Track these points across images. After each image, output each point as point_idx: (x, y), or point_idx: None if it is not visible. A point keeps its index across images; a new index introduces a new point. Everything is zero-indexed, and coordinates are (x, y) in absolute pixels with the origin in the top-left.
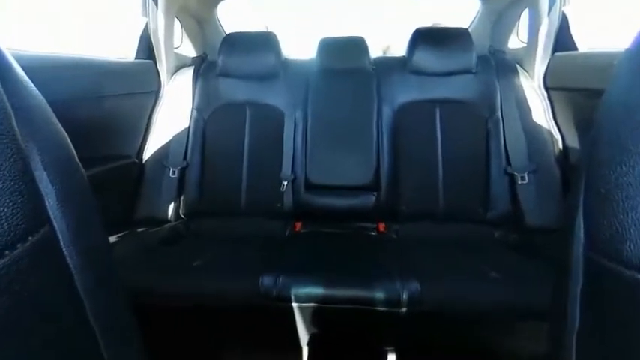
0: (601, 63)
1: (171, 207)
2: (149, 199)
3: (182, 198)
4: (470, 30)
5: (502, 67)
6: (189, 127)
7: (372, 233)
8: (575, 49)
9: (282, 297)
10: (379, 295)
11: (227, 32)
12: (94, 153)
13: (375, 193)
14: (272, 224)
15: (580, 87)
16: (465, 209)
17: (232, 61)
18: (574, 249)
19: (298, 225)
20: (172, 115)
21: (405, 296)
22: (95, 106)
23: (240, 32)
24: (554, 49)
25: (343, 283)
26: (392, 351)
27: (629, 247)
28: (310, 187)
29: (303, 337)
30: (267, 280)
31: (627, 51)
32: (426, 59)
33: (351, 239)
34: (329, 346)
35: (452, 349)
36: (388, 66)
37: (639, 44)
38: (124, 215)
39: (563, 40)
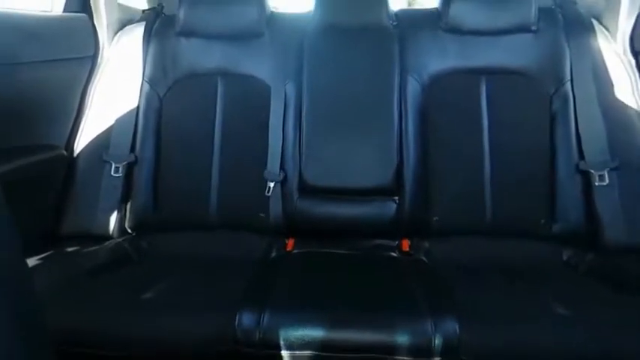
0: None
1: (114, 217)
2: (82, 206)
3: (129, 205)
4: None
5: (573, 23)
6: (138, 107)
7: (393, 254)
8: None
9: (267, 342)
10: (402, 340)
11: None
12: (5, 143)
13: (396, 198)
14: (253, 242)
15: None
16: (521, 221)
17: (198, 15)
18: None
19: (290, 243)
20: (115, 91)
21: (438, 342)
22: (7, 78)
23: None
24: None
25: (352, 323)
26: None
27: None
28: (306, 190)
29: None
30: (247, 319)
31: None
32: (467, 12)
33: (364, 262)
34: None
35: None
36: (415, 22)
37: None
38: (47, 229)
39: None
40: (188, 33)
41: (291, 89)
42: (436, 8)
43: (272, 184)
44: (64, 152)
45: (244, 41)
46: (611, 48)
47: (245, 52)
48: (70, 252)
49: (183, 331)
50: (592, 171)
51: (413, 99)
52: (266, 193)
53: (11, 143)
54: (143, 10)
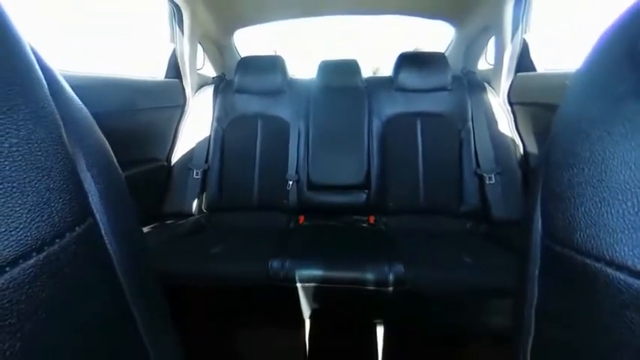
0: (556, 82)
1: (195, 203)
2: (176, 196)
3: (204, 195)
4: (446, 54)
5: (473, 85)
6: (210, 135)
7: (364, 225)
8: (534, 69)
9: (288, 278)
10: (369, 276)
11: (242, 56)
12: (130, 157)
13: (366, 191)
14: (279, 218)
15: (538, 102)
16: (441, 204)
17: (246, 80)
18: (533, 238)
19: (302, 218)
20: (196, 125)
21: (391, 277)
22: (131, 118)
23: (253, 56)
24: (517, 70)
25: (339, 266)
26: (380, 324)
27: (579, 236)
28: (312, 186)
29: (306, 312)
30: (275, 264)
31: (577, 72)
32: (409, 78)
33: (346, 230)
34: (327, 320)
35: (430, 323)
36: (377, 84)
37: (586, 67)
38: (155, 209)
39: (524, 62)
40: (240, 91)
41: (302, 125)
42: (390, 76)
43: (291, 182)
44: (165, 163)
45: (274, 96)
46: (496, 100)
47: (274, 102)
48: (169, 224)
49: (237, 271)
50: (484, 174)
51: (376, 130)
52: (287, 188)
53: (133, 157)
54: (213, 77)
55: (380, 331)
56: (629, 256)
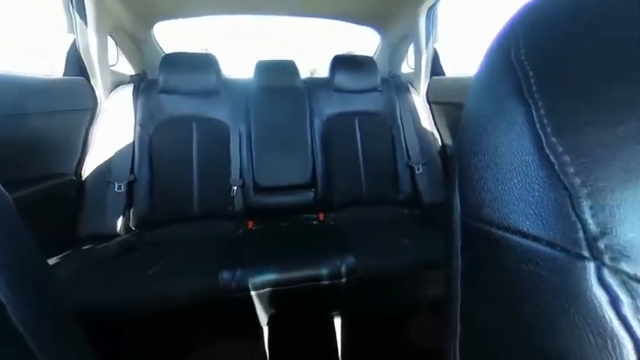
0: (462, 85)
1: (120, 221)
2: (93, 215)
3: (131, 211)
4: (374, 58)
5: (399, 87)
6: (133, 142)
7: (314, 222)
8: (444, 74)
9: (240, 287)
10: (323, 271)
11: (167, 52)
12: (23, 173)
13: (313, 189)
14: (226, 226)
15: (450, 101)
16: (381, 195)
17: (174, 79)
18: (454, 216)
19: (250, 223)
20: (113, 131)
21: (343, 269)
22: (17, 125)
23: (180, 52)
24: (432, 74)
25: (293, 267)
26: (337, 315)
27: (485, 210)
28: (258, 189)
29: (263, 318)
30: (225, 275)
31: (474, 76)
32: (344, 80)
33: (297, 229)
34: (285, 322)
35: (381, 304)
36: (316, 85)
37: (479, 72)
38: (65, 234)
39: (436, 67)
40: (167, 91)
41: (243, 127)
42: (327, 77)
43: (235, 188)
44: (74, 177)
45: (209, 96)
46: (418, 100)
47: (210, 104)
48: (86, 249)
49: (181, 289)
50: (414, 165)
51: (318, 130)
52: (231, 194)
53: (28, 173)
54: (131, 75)
55: (337, 322)
56: (519, 222)
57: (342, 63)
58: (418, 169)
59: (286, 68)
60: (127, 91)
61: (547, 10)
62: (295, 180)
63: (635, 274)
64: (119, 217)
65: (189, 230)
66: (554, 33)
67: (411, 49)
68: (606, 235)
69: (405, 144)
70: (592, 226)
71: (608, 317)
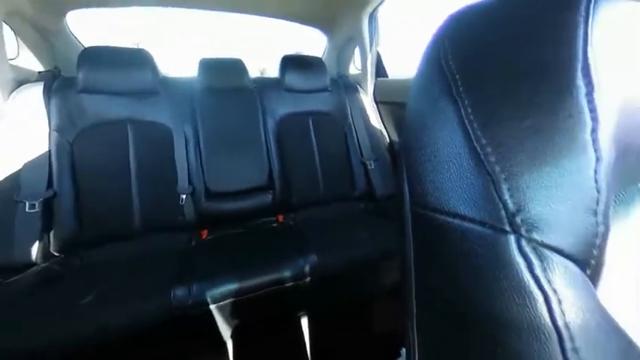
0: (404, 85)
1: (36, 246)
2: None
3: (51, 233)
4: (323, 59)
5: (348, 87)
6: (49, 152)
7: (274, 225)
8: (387, 75)
9: (198, 303)
10: (287, 273)
11: (86, 45)
12: None
13: (270, 191)
14: (176, 238)
15: (394, 101)
16: (339, 192)
17: (99, 77)
18: (404, 206)
19: (204, 233)
20: (19, 140)
21: (307, 269)
22: None
23: (103, 46)
24: (377, 75)
25: (255, 273)
26: (303, 315)
27: (429, 198)
28: (211, 195)
29: (226, 331)
30: (179, 292)
31: (414, 77)
32: (295, 80)
33: (256, 234)
34: (251, 330)
35: (347, 298)
36: (267, 85)
37: (417, 74)
38: None
39: (380, 69)
40: (89, 90)
41: (189, 130)
42: (277, 77)
43: (184, 196)
44: None
45: (145, 97)
46: (366, 99)
47: (146, 105)
48: None
49: (124, 315)
50: (367, 161)
51: (272, 131)
52: (180, 203)
53: None
54: (39, 72)
55: (304, 322)
56: (457, 206)
57: (292, 63)
58: (370, 165)
59: (234, 67)
60: (36, 90)
61: (468, 20)
62: (251, 183)
63: (542, 241)
64: (34, 242)
65: (130, 248)
66: (473, 40)
67: (357, 51)
68: (521, 211)
69: (358, 142)
70: (510, 205)
71: (526, 279)
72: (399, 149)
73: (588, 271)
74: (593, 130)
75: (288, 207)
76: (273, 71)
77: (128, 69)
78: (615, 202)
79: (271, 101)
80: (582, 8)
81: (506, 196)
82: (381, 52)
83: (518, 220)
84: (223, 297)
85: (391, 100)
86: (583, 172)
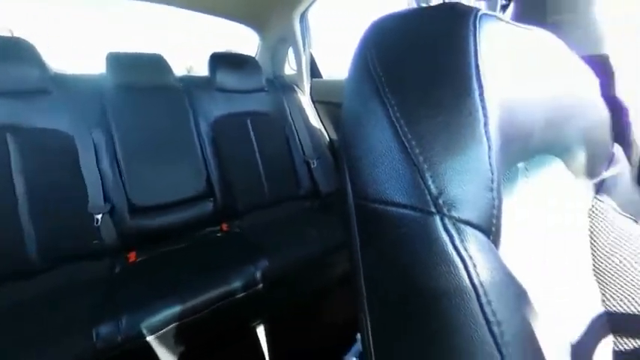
0: (339, 86)
1: None
2: None
3: None
4: (256, 58)
5: (285, 87)
6: None
7: (218, 235)
8: (321, 76)
9: (131, 338)
10: (237, 284)
11: None
12: None
13: (211, 199)
14: (92, 267)
15: (330, 101)
16: (284, 192)
17: None
18: (349, 200)
19: (132, 255)
20: None
21: (258, 275)
22: None
23: None
24: (312, 76)
25: (199, 291)
26: (259, 324)
27: (370, 190)
28: (136, 210)
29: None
30: (104, 329)
31: (346, 78)
32: (227, 79)
33: (198, 248)
34: (204, 351)
35: (301, 297)
36: (196, 84)
37: (349, 75)
38: None
39: (314, 70)
40: None
41: (99, 136)
42: (207, 76)
43: (99, 216)
44: None
45: (30, 98)
46: (304, 99)
47: (35, 109)
48: None
49: None
50: (310, 160)
51: (206, 133)
52: (95, 224)
53: None
54: None
55: (260, 330)
56: (393, 195)
57: (223, 61)
58: (313, 163)
59: (153, 63)
60: None
61: (388, 28)
62: (187, 192)
63: (459, 217)
64: None
65: (32, 288)
66: (393, 47)
67: (291, 53)
68: (442, 194)
69: (299, 141)
70: (433, 189)
71: (449, 251)
72: (338, 146)
73: (491, 237)
74: (485, 124)
75: (232, 214)
76: (202, 70)
77: (2, 63)
78: (503, 180)
79: (203, 102)
80: (470, 24)
81: (430, 182)
82: (314, 54)
83: (440, 201)
84: (163, 324)
85: (328, 100)
86: (481, 158)
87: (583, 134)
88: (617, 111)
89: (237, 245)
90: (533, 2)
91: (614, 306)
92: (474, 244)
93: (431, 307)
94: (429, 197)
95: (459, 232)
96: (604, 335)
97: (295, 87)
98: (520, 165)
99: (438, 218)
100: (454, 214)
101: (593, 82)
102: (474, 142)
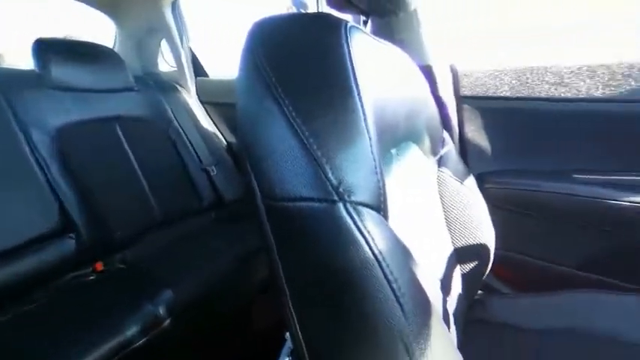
0: (229, 85)
1: None
2: None
3: None
4: (115, 50)
5: (163, 86)
6: None
7: (91, 277)
8: (206, 74)
9: None
10: (133, 330)
11: None
12: None
13: (72, 234)
14: None
15: (223, 102)
16: (182, 208)
17: None
18: (258, 202)
19: None
20: None
21: (162, 310)
22: None
23: None
24: (197, 74)
25: (85, 350)
26: None
27: (277, 190)
28: None
29: None
30: None
31: (237, 77)
32: (72, 74)
33: (68, 299)
34: None
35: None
36: (16, 81)
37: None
38: None
39: (197, 67)
40: None
41: None
42: (34, 70)
43: None
44: None
45: None
46: (191, 100)
47: None
48: None
49: None
50: (208, 167)
51: (47, 150)
52: None
53: None
54: None
55: None
56: (299, 191)
57: (61, 50)
58: (213, 170)
59: None
60: None
61: (273, 29)
62: (31, 232)
63: (357, 201)
64: None
65: None
66: (281, 48)
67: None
68: (341, 183)
69: (192, 147)
70: (333, 180)
71: (353, 231)
72: (238, 150)
73: (382, 213)
74: (365, 120)
75: (108, 248)
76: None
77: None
78: (382, 164)
79: (32, 106)
80: (342, 33)
81: (330, 175)
82: (194, 49)
83: (341, 190)
84: None
85: (218, 101)
86: (366, 149)
87: (426, 124)
88: (441, 106)
89: (124, 284)
90: (383, 22)
91: (457, 243)
92: (370, 222)
93: (345, 284)
94: (330, 188)
95: (358, 213)
96: (455, 265)
97: (177, 86)
98: (393, 151)
99: (341, 205)
100: (353, 198)
101: (426, 85)
102: (359, 136)
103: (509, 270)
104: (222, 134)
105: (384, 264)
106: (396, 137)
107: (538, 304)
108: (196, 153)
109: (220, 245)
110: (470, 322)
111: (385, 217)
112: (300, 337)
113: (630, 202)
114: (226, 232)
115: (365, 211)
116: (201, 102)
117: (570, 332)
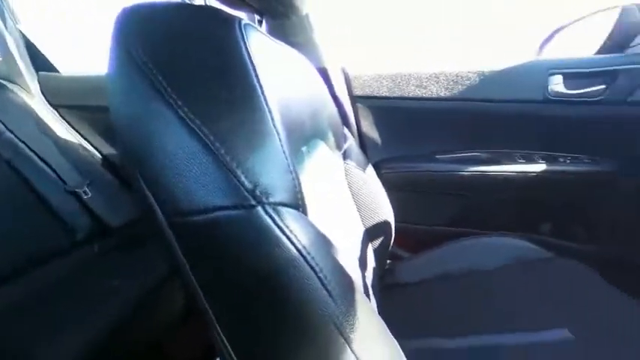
0: (91, 84)
1: None
2: None
3: None
4: None
5: None
6: None
7: None
8: (57, 70)
9: None
10: None
11: None
12: None
13: None
14: None
15: (84, 104)
16: (36, 250)
17: None
18: (161, 223)
19: None
20: None
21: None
22: None
23: None
24: (40, 68)
25: None
26: None
27: (182, 204)
28: None
29: None
30: None
31: (108, 77)
32: None
33: None
34: None
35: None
36: None
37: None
38: None
39: (41, 60)
40: None
41: None
42: None
43: None
44: None
45: None
46: (34, 103)
47: None
48: None
49: None
50: (77, 190)
51: None
52: None
53: None
54: None
55: None
56: (210, 201)
57: None
58: (85, 192)
59: None
60: None
61: (150, 17)
62: None
63: (276, 201)
64: None
65: None
66: (164, 42)
67: None
68: (257, 186)
69: (48, 166)
70: (247, 184)
71: (275, 231)
72: (121, 163)
73: (300, 209)
74: (272, 119)
75: None
76: None
77: None
78: (295, 162)
79: None
80: (237, 28)
81: (243, 179)
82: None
83: (257, 193)
84: None
85: (81, 104)
86: (277, 148)
87: (328, 122)
88: (339, 105)
89: None
90: (277, 24)
91: (367, 223)
92: (291, 220)
93: (275, 287)
94: (246, 192)
95: (279, 213)
96: (367, 243)
97: (8, 84)
98: (303, 149)
99: (260, 208)
100: (271, 200)
101: (324, 86)
102: (268, 136)
103: (407, 238)
104: (92, 145)
105: (309, 257)
106: (304, 135)
107: (429, 260)
108: (55, 172)
109: (113, 283)
110: (383, 289)
111: (304, 212)
112: (233, 355)
113: (475, 171)
114: (120, 264)
115: (284, 210)
116: (52, 105)
117: (455, 274)
